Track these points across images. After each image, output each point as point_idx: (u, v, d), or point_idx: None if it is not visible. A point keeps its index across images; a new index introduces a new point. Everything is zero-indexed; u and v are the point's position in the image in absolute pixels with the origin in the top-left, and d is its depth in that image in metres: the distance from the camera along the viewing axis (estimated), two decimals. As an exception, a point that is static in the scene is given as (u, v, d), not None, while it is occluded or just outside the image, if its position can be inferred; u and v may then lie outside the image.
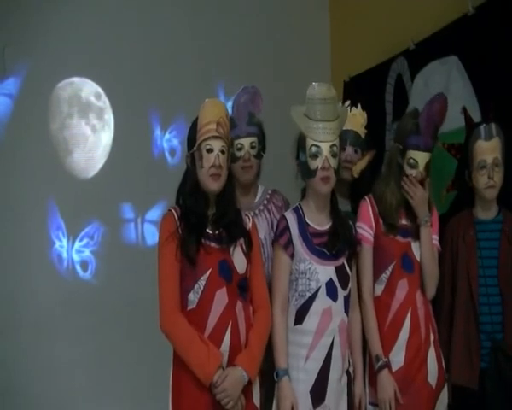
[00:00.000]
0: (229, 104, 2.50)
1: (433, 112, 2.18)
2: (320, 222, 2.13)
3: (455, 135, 2.82)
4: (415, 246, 2.21)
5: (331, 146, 2.06)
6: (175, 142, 3.56)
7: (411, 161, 2.19)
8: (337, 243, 2.10)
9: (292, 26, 4.00)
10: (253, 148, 2.41)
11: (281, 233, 2.09)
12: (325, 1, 4.27)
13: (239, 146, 2.36)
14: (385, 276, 2.19)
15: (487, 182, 2.24)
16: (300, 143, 2.12)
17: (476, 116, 2.73)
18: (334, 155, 2.06)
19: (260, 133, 2.45)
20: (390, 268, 2.18)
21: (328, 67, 4.17)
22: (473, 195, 2.37)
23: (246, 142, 2.39)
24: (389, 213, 2.22)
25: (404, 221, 2.24)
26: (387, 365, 2.10)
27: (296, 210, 2.15)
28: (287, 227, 2.09)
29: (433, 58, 3.05)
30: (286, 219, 2.12)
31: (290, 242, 2.08)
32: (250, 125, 2.42)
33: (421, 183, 2.19)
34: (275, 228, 2.17)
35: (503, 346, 2.19)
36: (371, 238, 2.21)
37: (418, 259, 2.21)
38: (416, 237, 2.21)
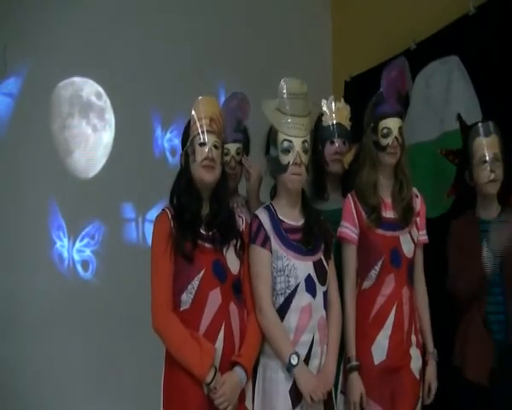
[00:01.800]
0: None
1: (392, 77, 2.18)
2: (293, 217, 2.10)
3: (458, 134, 2.82)
4: (403, 240, 2.18)
5: (303, 142, 2.03)
6: (176, 141, 3.55)
7: (384, 130, 2.16)
8: (311, 240, 2.06)
9: (293, 26, 4.01)
10: (238, 154, 2.47)
11: (256, 233, 2.04)
12: (327, 1, 4.28)
13: (225, 151, 2.34)
14: (374, 272, 2.16)
15: (489, 175, 2.25)
16: (271, 138, 2.08)
17: (478, 116, 2.73)
18: (305, 151, 2.03)
19: (246, 139, 2.51)
20: (379, 264, 2.15)
21: (330, 67, 4.19)
22: (474, 196, 2.36)
23: (232, 147, 2.44)
24: (366, 192, 2.18)
25: (389, 214, 2.20)
26: (358, 368, 2.09)
27: (267, 208, 2.11)
28: (260, 225, 2.05)
29: (433, 58, 3.06)
30: (258, 217, 2.07)
31: (267, 238, 2.03)
32: (237, 132, 2.46)
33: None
34: (248, 229, 2.09)
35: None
36: (356, 237, 2.18)
37: (406, 254, 2.18)
38: (404, 229, 2.19)
